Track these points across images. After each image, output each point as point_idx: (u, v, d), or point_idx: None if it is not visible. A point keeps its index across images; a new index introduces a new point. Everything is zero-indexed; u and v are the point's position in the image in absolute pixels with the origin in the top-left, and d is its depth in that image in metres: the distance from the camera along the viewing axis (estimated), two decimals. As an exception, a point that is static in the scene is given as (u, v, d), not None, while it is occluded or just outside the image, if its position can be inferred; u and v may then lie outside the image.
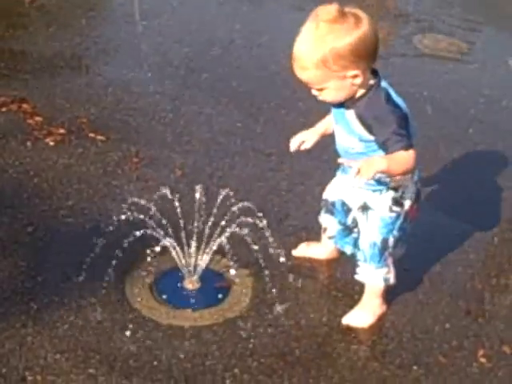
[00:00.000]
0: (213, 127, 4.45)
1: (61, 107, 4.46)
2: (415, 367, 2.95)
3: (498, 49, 5.77)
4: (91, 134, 4.20)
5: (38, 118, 4.30)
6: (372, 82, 2.77)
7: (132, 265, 3.25)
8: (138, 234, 3.15)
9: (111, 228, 3.25)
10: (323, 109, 4.61)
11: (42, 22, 5.56)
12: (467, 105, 4.90)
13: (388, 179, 2.87)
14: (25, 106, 4.40)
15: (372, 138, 2.77)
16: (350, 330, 3.09)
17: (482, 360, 3.00)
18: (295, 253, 3.43)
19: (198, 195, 3.29)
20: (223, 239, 3.20)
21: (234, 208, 3.27)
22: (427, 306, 3.24)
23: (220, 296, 3.21)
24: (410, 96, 4.78)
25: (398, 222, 2.98)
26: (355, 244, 3.18)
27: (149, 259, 3.30)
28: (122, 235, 3.26)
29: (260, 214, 3.30)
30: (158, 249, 3.24)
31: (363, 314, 3.15)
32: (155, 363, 2.87)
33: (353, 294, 3.25)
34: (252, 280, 3.29)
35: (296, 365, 2.92)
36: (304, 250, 3.45)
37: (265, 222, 3.34)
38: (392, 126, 2.69)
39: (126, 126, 4.38)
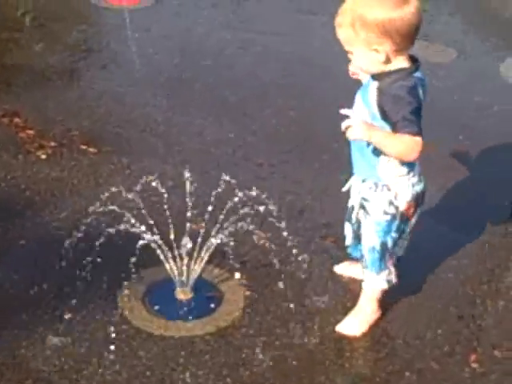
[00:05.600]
0: (204, 138, 4.47)
1: (52, 120, 4.49)
2: (407, 373, 2.96)
3: (488, 55, 5.79)
4: (83, 147, 4.23)
5: (29, 132, 4.32)
6: (406, 65, 2.79)
7: (124, 276, 3.25)
8: (129, 245, 3.16)
9: (103, 240, 3.25)
10: (315, 118, 4.69)
11: (34, 35, 5.59)
12: (458, 111, 4.92)
13: (381, 175, 2.91)
14: (16, 119, 4.43)
15: (378, 116, 2.79)
16: (341, 337, 3.09)
17: (474, 365, 3.01)
18: (337, 269, 3.43)
19: (189, 206, 3.30)
20: (215, 249, 3.22)
21: (226, 218, 3.28)
22: (419, 312, 3.25)
23: (212, 306, 3.22)
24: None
25: (395, 224, 2.99)
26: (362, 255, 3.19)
27: (141, 270, 3.31)
28: (113, 247, 3.28)
29: (251, 225, 3.31)
30: (149, 259, 3.25)
31: (356, 322, 3.15)
32: (148, 373, 2.88)
33: (345, 301, 3.27)
34: (244, 289, 3.30)
35: (288, 373, 2.92)
36: (347, 269, 3.44)
37: (256, 231, 3.35)
38: (404, 110, 2.72)
39: (117, 137, 4.40)
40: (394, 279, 3.12)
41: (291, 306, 3.23)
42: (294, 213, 3.58)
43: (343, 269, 3.43)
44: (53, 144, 4.23)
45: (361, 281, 3.28)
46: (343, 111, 2.85)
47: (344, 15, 2.76)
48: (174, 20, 6.07)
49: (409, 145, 2.75)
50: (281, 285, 3.33)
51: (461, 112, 4.91)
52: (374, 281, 3.11)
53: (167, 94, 4.92)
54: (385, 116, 2.78)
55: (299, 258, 3.42)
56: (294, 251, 3.43)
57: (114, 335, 3.03)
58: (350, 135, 2.77)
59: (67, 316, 3.10)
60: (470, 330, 3.18)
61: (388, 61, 2.77)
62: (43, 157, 4.13)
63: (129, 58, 5.42)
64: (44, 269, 3.33)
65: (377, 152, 2.88)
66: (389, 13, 2.68)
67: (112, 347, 2.98)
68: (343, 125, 2.78)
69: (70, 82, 5.02)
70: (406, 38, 2.73)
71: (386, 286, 3.12)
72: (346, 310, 3.21)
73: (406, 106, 2.73)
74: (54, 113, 4.57)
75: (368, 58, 2.77)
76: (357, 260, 3.34)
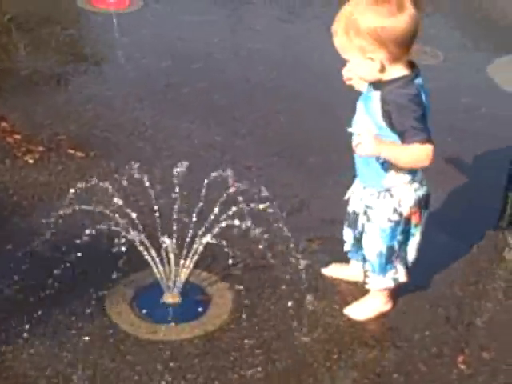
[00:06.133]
0: (192, 141, 4.46)
1: (40, 125, 4.48)
2: (395, 375, 2.96)
3: (475, 56, 5.81)
4: (70, 151, 4.22)
5: (16, 136, 4.31)
6: (405, 73, 2.77)
7: (112, 280, 3.24)
8: (118, 249, 3.15)
9: (92, 244, 3.25)
10: (303, 121, 4.70)
11: (21, 39, 5.58)
12: (446, 113, 4.92)
13: (387, 184, 2.92)
14: (3, 124, 4.41)
15: (384, 126, 2.77)
16: (329, 340, 3.09)
17: (462, 366, 3.01)
18: (325, 271, 3.44)
19: (177, 210, 3.30)
20: (202, 252, 3.22)
21: (214, 222, 3.28)
22: (407, 314, 3.25)
23: (200, 309, 3.21)
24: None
25: (399, 229, 3.01)
26: (364, 259, 3.17)
27: (129, 274, 3.31)
28: (102, 250, 3.28)
29: (239, 228, 3.31)
30: (138, 263, 3.25)
31: (363, 308, 3.21)
32: (136, 378, 2.87)
33: (333, 303, 3.27)
34: (232, 293, 3.29)
35: (277, 376, 2.92)
36: (335, 271, 3.45)
37: (243, 234, 3.35)
38: (410, 119, 2.71)
39: (105, 142, 4.39)
40: (401, 278, 3.14)
41: (279, 309, 3.23)
42: (282, 215, 3.57)
43: (331, 271, 3.43)
44: (40, 148, 4.23)
45: (349, 282, 3.32)
46: (350, 129, 2.86)
47: (339, 23, 2.73)
48: (163, 24, 6.06)
49: (419, 154, 2.75)
50: (268, 288, 3.33)
51: (449, 114, 4.91)
52: (380, 282, 3.13)
53: (155, 97, 4.92)
54: (391, 126, 2.76)
55: (286, 261, 3.42)
56: (282, 254, 3.44)
57: (101, 339, 3.03)
58: (360, 152, 2.76)
59: (54, 321, 3.09)
60: (458, 331, 3.19)
61: (384, 69, 2.74)
62: (31, 161, 4.12)
63: (117, 62, 5.42)
64: (31, 273, 3.31)
65: (386, 165, 2.88)
66: (382, 21, 2.65)
67: (100, 352, 2.97)
68: (354, 142, 2.77)
69: (58, 86, 5.01)
70: (401, 46, 2.70)
71: (392, 285, 3.14)
72: (333, 312, 3.22)
73: (410, 115, 2.72)
74: (42, 117, 4.57)
75: (364, 66, 2.75)
76: (347, 262, 3.36)
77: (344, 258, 3.39)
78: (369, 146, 2.72)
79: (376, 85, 2.80)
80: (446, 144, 4.55)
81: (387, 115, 2.75)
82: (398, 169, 2.89)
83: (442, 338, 3.14)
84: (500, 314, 3.30)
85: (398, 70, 2.77)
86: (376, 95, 2.79)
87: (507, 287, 3.46)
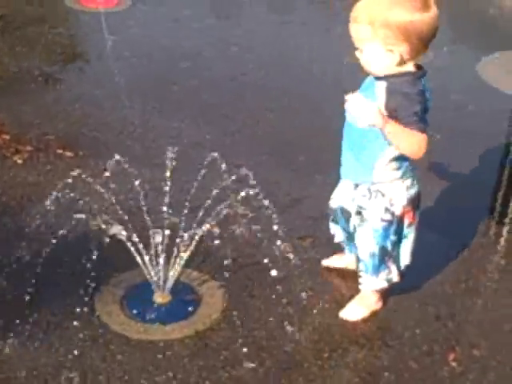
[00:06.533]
0: (182, 140, 4.45)
1: (29, 124, 4.46)
2: (386, 374, 2.96)
3: (464, 54, 5.82)
4: (59, 151, 4.20)
5: (5, 136, 4.29)
6: (413, 70, 2.80)
7: (102, 280, 3.24)
8: (107, 248, 3.15)
9: (80, 243, 3.24)
10: (293, 119, 4.69)
11: (8, 38, 5.56)
12: (435, 111, 4.90)
13: (376, 179, 2.91)
14: (-8, 124, 4.40)
15: (387, 115, 2.74)
16: (320, 339, 3.09)
17: (453, 364, 3.01)
18: (325, 262, 3.46)
19: (166, 209, 3.29)
20: (192, 251, 3.21)
21: (204, 220, 3.27)
22: (397, 312, 3.25)
23: (190, 309, 3.21)
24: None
25: (392, 229, 3.01)
26: (358, 259, 3.17)
27: (118, 274, 3.30)
28: (91, 250, 3.25)
29: (229, 227, 3.31)
30: (127, 263, 3.24)
31: (358, 308, 3.20)
32: (126, 378, 2.86)
33: (324, 302, 3.27)
34: (222, 292, 3.29)
35: (267, 376, 2.92)
36: (335, 261, 3.46)
37: (234, 233, 3.35)
38: (415, 107, 2.72)
39: (94, 141, 4.38)
40: (394, 278, 3.14)
41: (269, 308, 3.22)
42: (273, 214, 3.57)
43: (330, 262, 3.45)
44: (29, 148, 4.21)
45: (340, 281, 3.36)
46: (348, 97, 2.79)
47: (363, 11, 2.72)
48: (151, 23, 6.05)
49: (418, 140, 2.74)
50: (259, 287, 3.32)
51: (438, 112, 4.88)
52: (373, 283, 3.13)
53: (144, 96, 4.90)
54: (394, 116, 2.74)
55: (277, 260, 3.42)
56: (273, 253, 3.43)
57: (91, 340, 3.01)
58: (362, 122, 2.68)
59: (45, 321, 3.08)
60: (449, 329, 3.19)
61: (402, 63, 2.77)
62: (19, 161, 4.10)
63: (105, 61, 5.41)
64: (21, 274, 3.30)
65: (375, 155, 2.88)
66: (411, 15, 2.69)
67: (90, 352, 2.96)
68: (352, 113, 2.72)
69: (46, 85, 4.99)
70: (423, 41, 2.74)
71: (386, 285, 3.15)
72: (324, 311, 3.21)
73: (416, 104, 2.74)
74: (30, 117, 4.55)
75: (383, 57, 2.76)
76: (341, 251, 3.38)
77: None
78: (374, 115, 2.67)
79: (381, 77, 2.81)
80: (435, 142, 4.55)
81: (391, 105, 2.76)
82: (387, 163, 2.89)
83: (432, 335, 3.14)
84: (490, 312, 3.31)
85: (408, 67, 2.80)
86: (381, 85, 2.80)
87: (497, 285, 3.46)
